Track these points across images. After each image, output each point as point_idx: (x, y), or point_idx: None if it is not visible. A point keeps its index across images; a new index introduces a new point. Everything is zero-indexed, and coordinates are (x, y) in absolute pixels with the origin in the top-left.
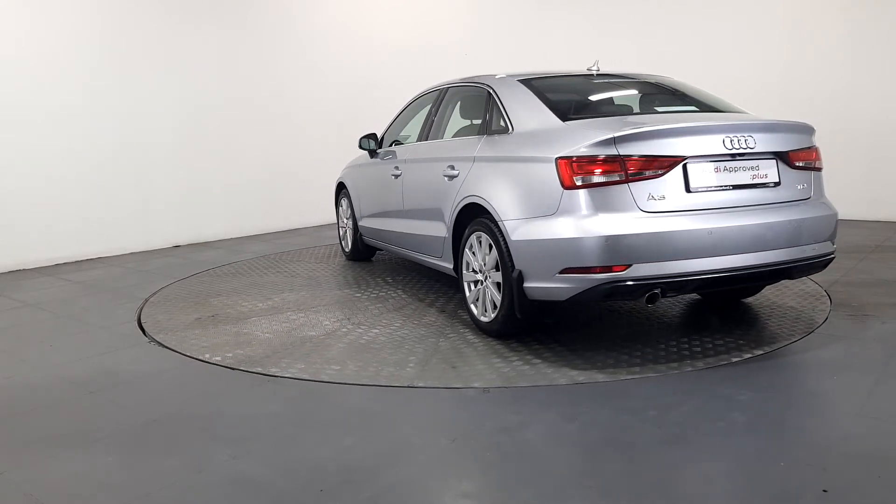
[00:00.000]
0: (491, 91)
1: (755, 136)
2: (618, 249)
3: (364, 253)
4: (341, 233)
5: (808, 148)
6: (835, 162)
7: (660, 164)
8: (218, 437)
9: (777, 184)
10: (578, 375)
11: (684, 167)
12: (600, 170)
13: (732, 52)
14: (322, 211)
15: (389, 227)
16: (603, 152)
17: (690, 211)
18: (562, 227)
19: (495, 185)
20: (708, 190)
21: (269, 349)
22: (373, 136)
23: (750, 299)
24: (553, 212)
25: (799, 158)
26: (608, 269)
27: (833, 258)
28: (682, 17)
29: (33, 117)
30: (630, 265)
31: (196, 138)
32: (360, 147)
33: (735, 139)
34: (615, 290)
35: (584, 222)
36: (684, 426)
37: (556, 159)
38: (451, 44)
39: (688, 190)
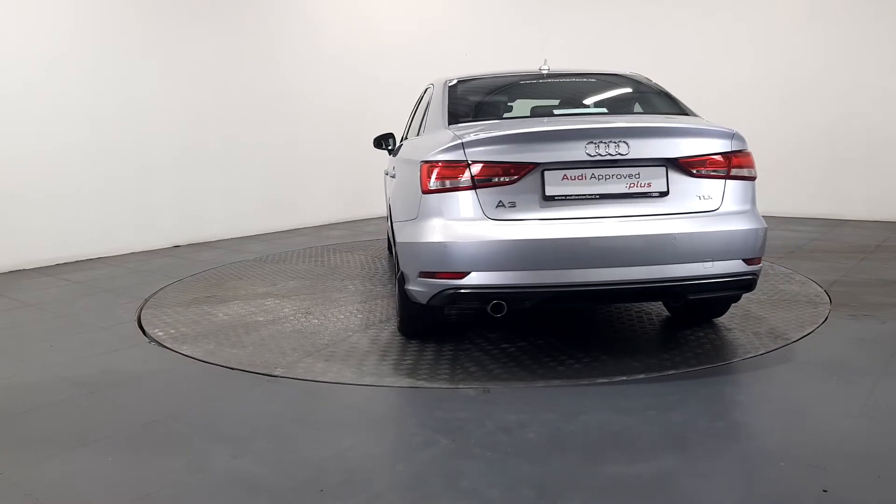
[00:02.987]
0: (433, 92)
1: (630, 141)
2: (455, 256)
3: None
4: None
5: (723, 154)
6: (835, 162)
7: (511, 171)
8: (218, 437)
9: (664, 194)
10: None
11: (542, 174)
12: (448, 175)
13: (733, 54)
14: (322, 211)
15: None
16: (451, 157)
17: (544, 220)
18: (417, 231)
19: (396, 188)
20: (568, 199)
21: (208, 330)
22: (389, 135)
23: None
24: (415, 216)
25: (702, 166)
26: (448, 275)
27: (748, 280)
28: (683, 19)
29: (33, 117)
30: (468, 273)
31: (196, 138)
32: (374, 146)
33: (602, 145)
34: (455, 297)
35: (432, 227)
36: (684, 426)
37: (420, 163)
38: (451, 44)
39: (545, 198)
